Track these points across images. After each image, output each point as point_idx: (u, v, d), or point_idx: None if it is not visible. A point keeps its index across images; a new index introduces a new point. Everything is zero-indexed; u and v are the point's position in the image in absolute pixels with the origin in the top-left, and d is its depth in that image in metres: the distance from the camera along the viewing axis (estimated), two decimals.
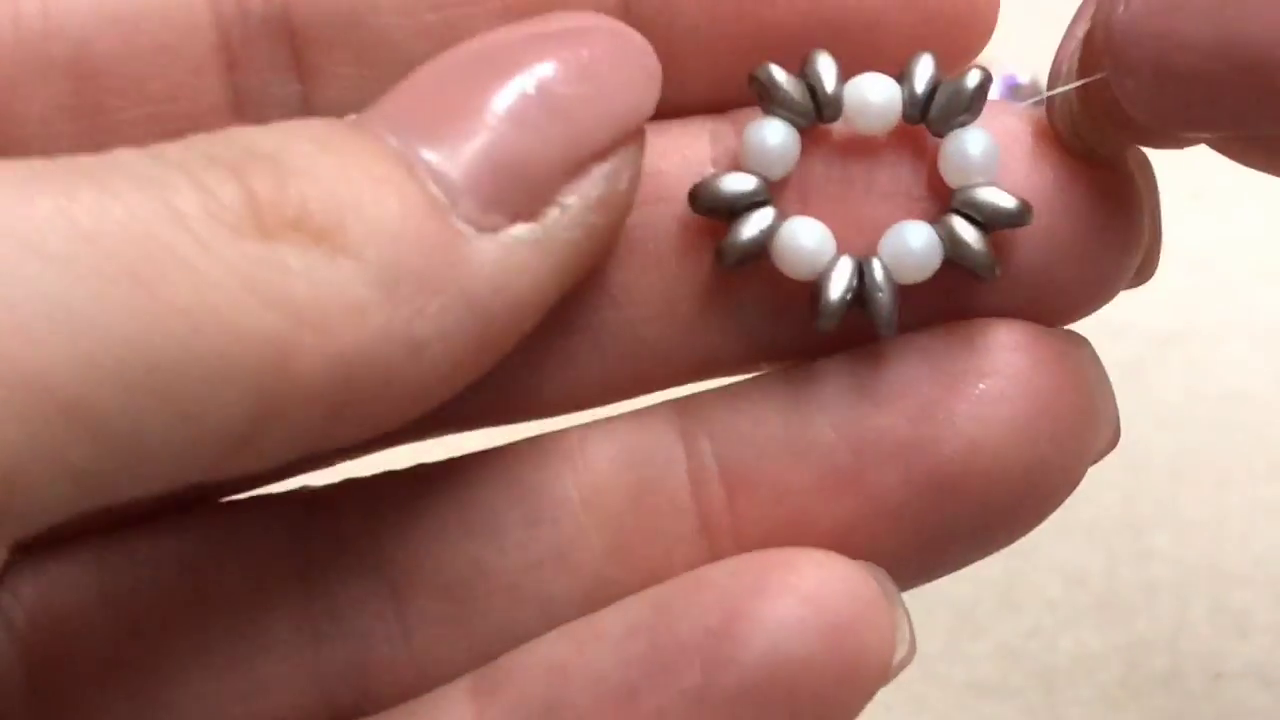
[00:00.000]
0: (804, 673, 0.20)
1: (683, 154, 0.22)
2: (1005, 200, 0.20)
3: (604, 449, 0.22)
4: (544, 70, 0.20)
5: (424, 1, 0.21)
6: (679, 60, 0.21)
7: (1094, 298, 0.21)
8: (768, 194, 0.21)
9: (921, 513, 0.21)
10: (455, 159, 0.19)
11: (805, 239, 0.20)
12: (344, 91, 0.22)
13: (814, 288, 0.21)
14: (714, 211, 0.21)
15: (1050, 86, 0.21)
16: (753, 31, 0.21)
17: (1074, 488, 0.21)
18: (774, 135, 0.21)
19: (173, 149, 0.18)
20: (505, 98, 0.19)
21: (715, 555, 0.21)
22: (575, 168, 0.20)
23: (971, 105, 0.21)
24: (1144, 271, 0.22)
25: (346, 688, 0.22)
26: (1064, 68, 0.21)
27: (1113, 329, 0.48)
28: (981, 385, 0.20)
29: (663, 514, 0.21)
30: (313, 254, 0.18)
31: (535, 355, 0.22)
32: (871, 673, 0.20)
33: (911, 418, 0.21)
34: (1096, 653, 0.41)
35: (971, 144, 0.20)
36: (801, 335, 0.21)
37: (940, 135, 0.21)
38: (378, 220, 0.18)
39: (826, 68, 0.21)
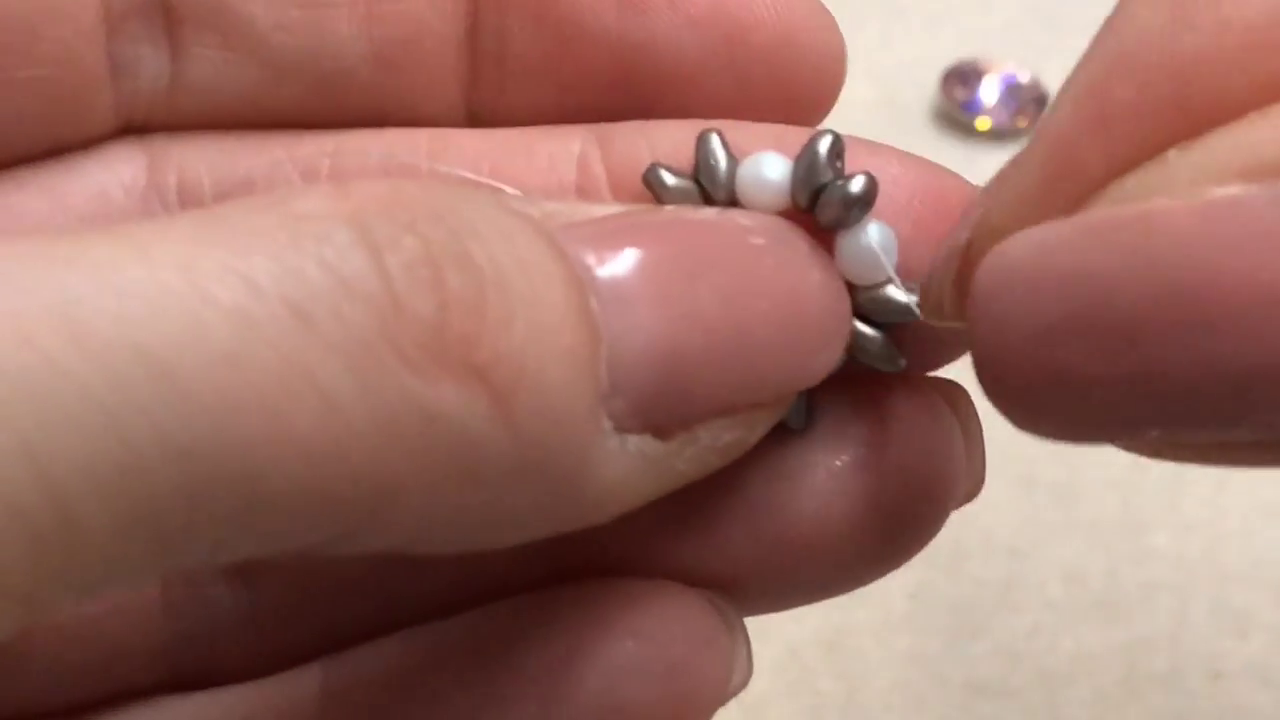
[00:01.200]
0: (638, 713, 0.20)
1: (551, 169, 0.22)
2: (902, 298, 0.20)
3: None
4: (749, 294, 0.19)
5: None
6: (518, 81, 0.22)
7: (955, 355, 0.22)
8: None
9: (767, 565, 0.21)
10: (634, 349, 0.18)
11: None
12: (209, 71, 0.22)
13: None
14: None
15: (924, 282, 0.20)
16: (578, 73, 0.22)
17: (925, 545, 0.21)
18: None
19: (368, 207, 0.16)
20: (706, 309, 0.18)
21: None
22: (730, 409, 0.19)
23: (857, 206, 0.20)
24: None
25: None
26: (937, 273, 0.20)
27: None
28: (835, 455, 0.21)
29: None
30: (476, 406, 0.16)
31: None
32: (705, 705, 0.21)
33: (763, 481, 0.21)
34: (1096, 653, 0.41)
35: (861, 243, 0.20)
36: None
37: (831, 230, 0.20)
38: (547, 394, 0.16)
39: (717, 154, 0.21)
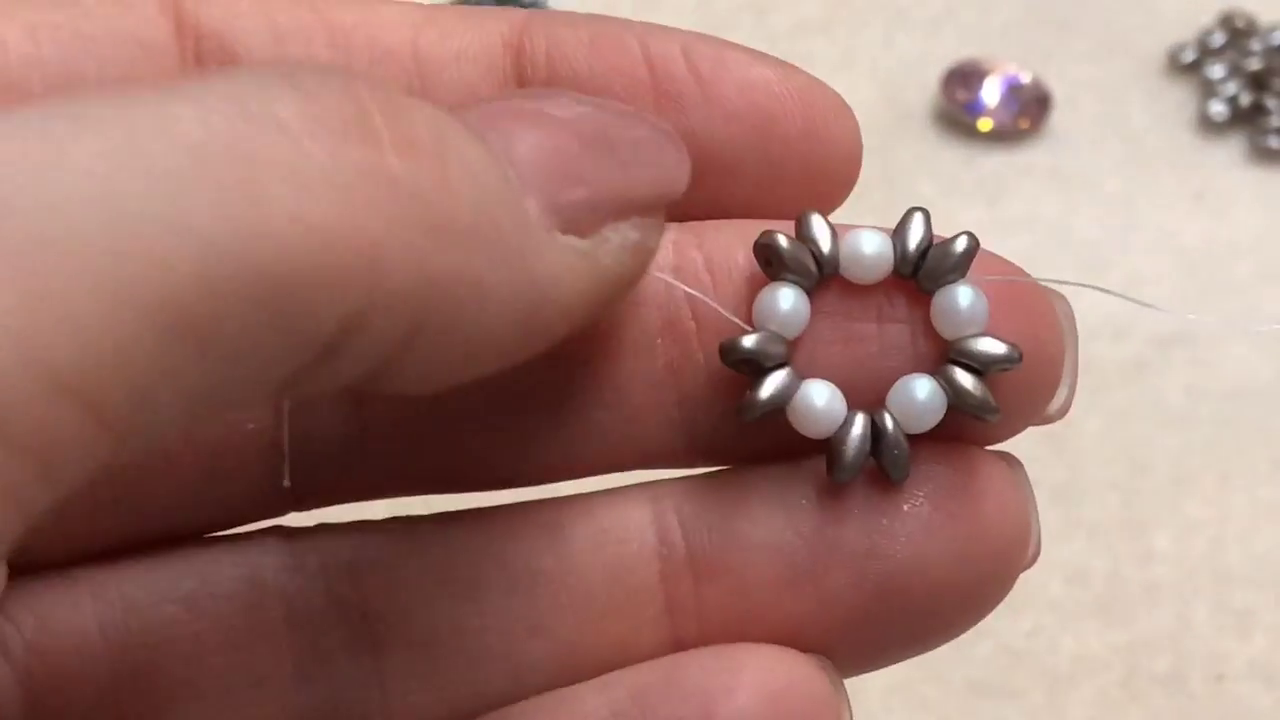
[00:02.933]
0: None
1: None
2: (998, 348, 0.22)
3: (581, 527, 0.23)
4: (613, 119, 0.21)
5: (320, 41, 0.24)
6: None
7: (1025, 425, 0.23)
8: (787, 355, 0.22)
9: (869, 613, 0.22)
10: (530, 157, 0.20)
11: (819, 401, 0.22)
12: None
13: (830, 444, 0.22)
14: (740, 367, 0.22)
15: None
16: None
17: (1004, 597, 0.23)
18: (786, 300, 0.22)
19: (284, 65, 0.19)
20: (581, 125, 0.21)
21: (679, 635, 0.23)
22: (622, 207, 0.21)
23: (959, 266, 0.22)
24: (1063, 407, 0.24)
25: None
26: None
27: (1116, 329, 0.48)
28: (927, 505, 0.22)
29: (633, 593, 0.23)
30: (419, 171, 0.18)
31: (527, 431, 0.23)
32: None
33: (864, 529, 0.22)
34: (1098, 653, 0.41)
35: (962, 300, 0.22)
36: (774, 444, 0.23)
37: (930, 292, 0.22)
38: (474, 168, 0.19)
39: (821, 229, 0.23)
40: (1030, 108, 0.54)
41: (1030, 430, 0.43)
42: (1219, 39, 0.56)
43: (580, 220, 0.20)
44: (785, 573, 0.22)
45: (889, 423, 0.22)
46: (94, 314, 0.16)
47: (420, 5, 0.24)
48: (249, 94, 0.18)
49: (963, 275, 0.22)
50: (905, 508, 0.22)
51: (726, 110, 0.23)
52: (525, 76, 0.24)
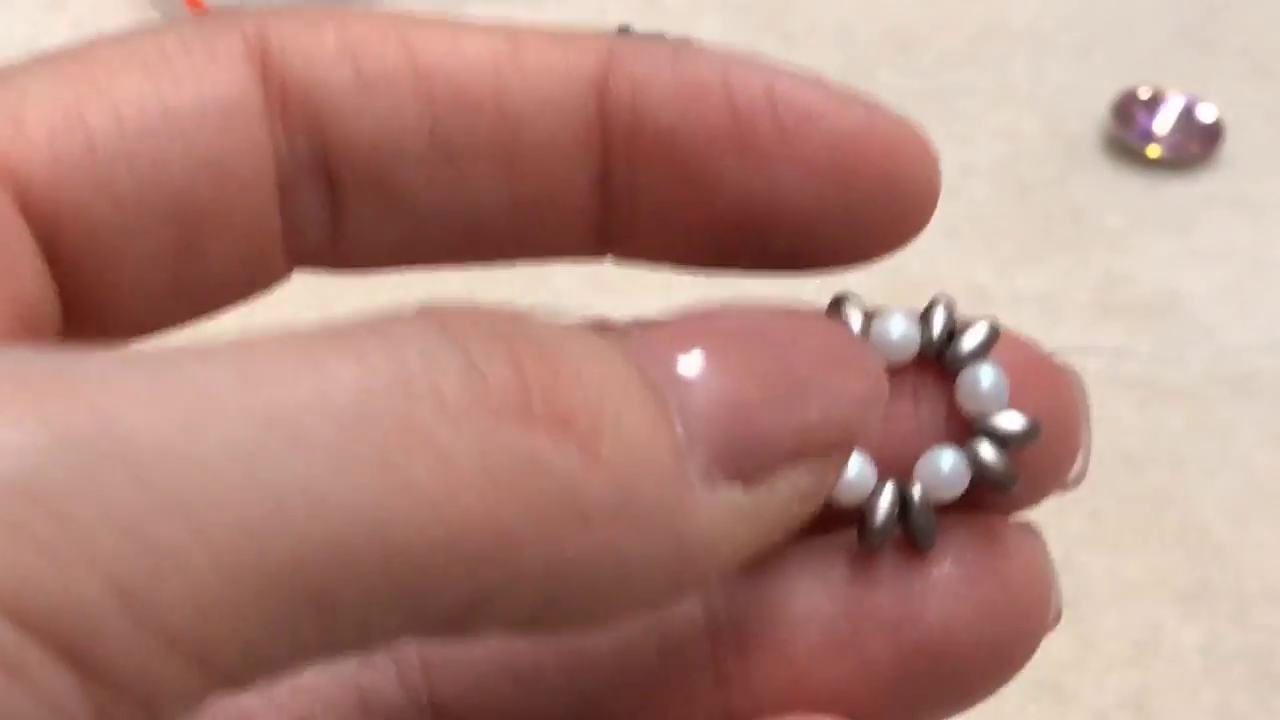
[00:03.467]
0: None
1: None
2: (1019, 424, 0.23)
3: None
4: (798, 349, 0.21)
5: (438, 159, 0.24)
6: (648, 222, 0.24)
7: (1047, 494, 0.24)
8: None
9: (905, 678, 0.23)
10: (700, 406, 0.20)
11: (850, 471, 0.23)
12: (366, 224, 0.25)
13: (859, 512, 0.23)
14: None
15: None
16: (702, 215, 0.24)
17: (1029, 658, 0.24)
18: None
19: (446, 315, 0.18)
20: (759, 363, 0.20)
21: (731, 708, 0.23)
22: (798, 452, 0.21)
23: (981, 350, 0.23)
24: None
25: None
26: None
27: None
28: (954, 571, 0.23)
29: (686, 669, 0.23)
30: (566, 451, 0.18)
31: None
32: None
33: (896, 596, 0.23)
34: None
35: (984, 380, 0.23)
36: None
37: (955, 371, 0.24)
38: (630, 441, 0.19)
39: (854, 314, 0.24)
40: (1200, 133, 0.53)
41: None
42: None
43: (749, 472, 0.20)
44: (826, 642, 0.23)
45: (917, 492, 0.23)
46: (217, 580, 0.16)
47: (505, 34, 0.24)
48: (413, 362, 0.17)
49: (984, 357, 0.23)
50: (933, 574, 0.23)
51: (809, 165, 0.23)
52: (609, 125, 0.24)
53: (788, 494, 0.21)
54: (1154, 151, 0.53)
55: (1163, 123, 0.54)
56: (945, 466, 0.23)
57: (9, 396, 0.16)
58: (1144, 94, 0.54)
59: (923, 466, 0.23)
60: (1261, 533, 0.43)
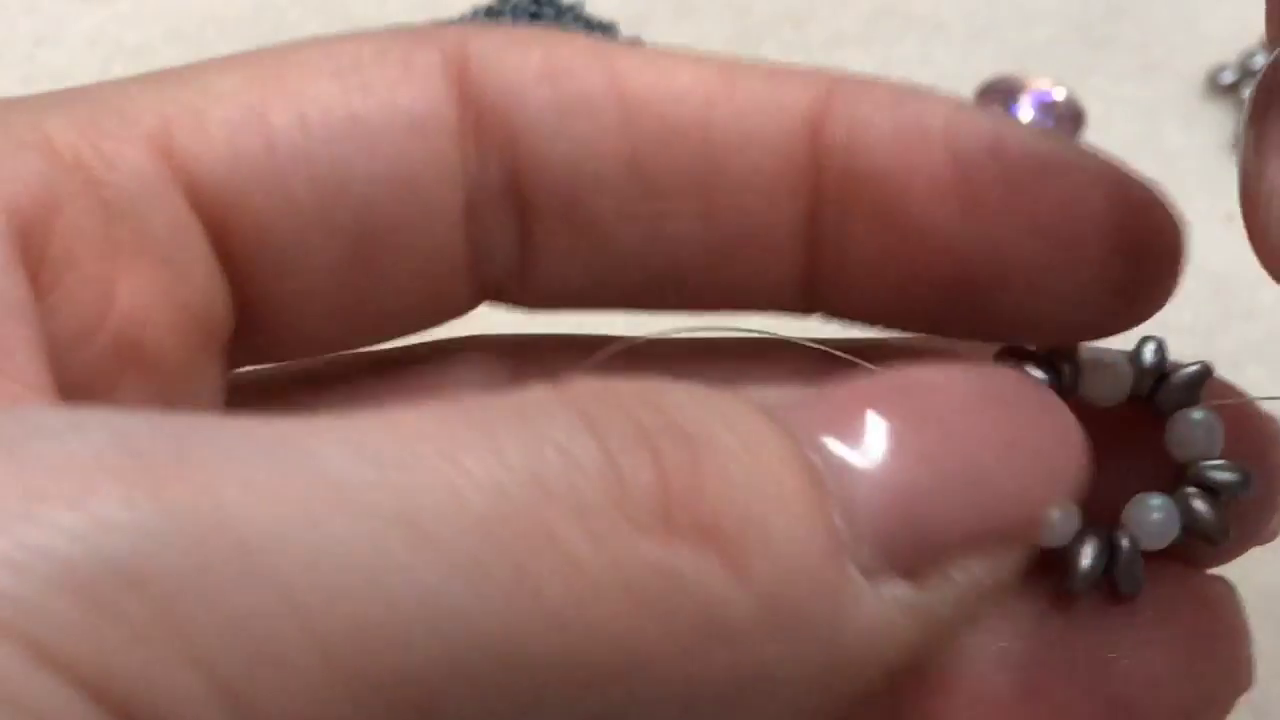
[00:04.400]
0: None
1: None
2: (1234, 475, 0.22)
3: None
4: (975, 432, 0.19)
5: (637, 192, 0.22)
6: (857, 274, 0.23)
7: (1249, 547, 0.23)
8: None
9: None
10: (867, 496, 0.18)
11: (1054, 514, 0.21)
12: (556, 258, 0.23)
13: (1065, 555, 0.22)
14: None
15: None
16: (917, 269, 0.22)
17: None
18: None
19: (587, 400, 0.17)
20: (932, 447, 0.19)
21: None
22: (977, 543, 0.19)
23: (1193, 392, 0.23)
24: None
25: None
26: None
27: None
28: (1156, 623, 0.22)
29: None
30: (709, 565, 0.17)
31: None
32: None
33: (1095, 642, 0.22)
34: None
35: (1198, 426, 0.22)
36: None
37: (1165, 414, 0.23)
38: (781, 548, 0.17)
39: (1064, 356, 0.23)
40: (1064, 124, 0.54)
41: None
42: (1261, 60, 0.55)
43: (919, 567, 0.18)
44: (1019, 685, 0.22)
45: (1125, 539, 0.22)
46: (323, 683, 0.15)
47: (719, 65, 0.23)
48: (551, 459, 0.16)
49: (1196, 400, 0.23)
50: (1135, 622, 0.22)
51: (1036, 224, 0.22)
52: (822, 166, 0.22)
53: (964, 588, 0.19)
54: None
55: (1024, 112, 0.54)
56: (1156, 516, 0.22)
57: (122, 471, 0.15)
58: (1008, 84, 0.55)
59: (1132, 514, 0.22)
60: None
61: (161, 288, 0.21)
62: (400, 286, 0.23)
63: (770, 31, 0.58)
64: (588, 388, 0.17)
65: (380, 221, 0.22)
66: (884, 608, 0.18)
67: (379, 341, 0.24)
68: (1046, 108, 0.54)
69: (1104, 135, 0.54)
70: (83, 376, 0.20)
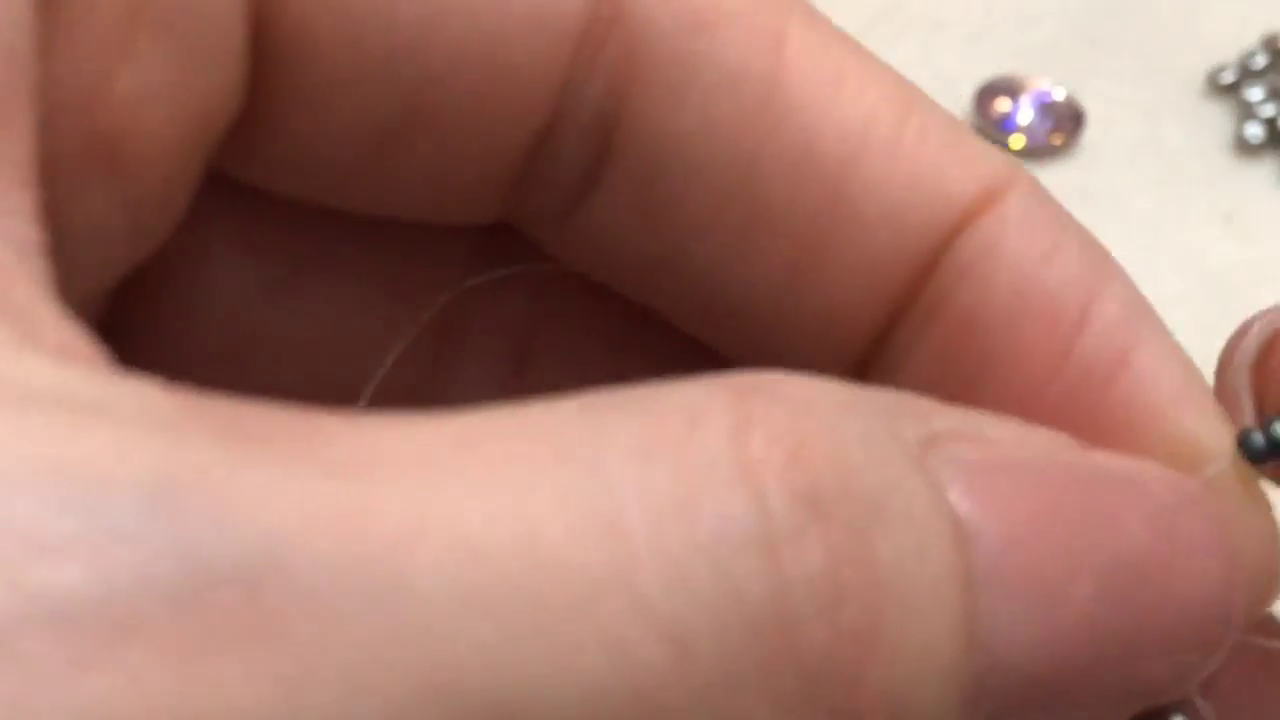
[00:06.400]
0: None
1: None
2: None
3: None
4: (1148, 596, 0.17)
5: (741, 204, 0.20)
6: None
7: None
8: None
9: None
10: (1011, 665, 0.16)
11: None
12: (604, 225, 0.20)
13: None
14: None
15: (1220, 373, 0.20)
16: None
17: None
18: None
19: (774, 479, 0.15)
20: (1097, 625, 0.16)
21: None
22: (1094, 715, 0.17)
23: None
24: None
25: None
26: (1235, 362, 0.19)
27: None
28: None
29: None
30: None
31: None
32: None
33: None
34: None
35: None
36: None
37: None
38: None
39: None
40: (1063, 125, 0.54)
41: None
42: (1261, 61, 0.55)
43: None
44: None
45: None
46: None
47: (904, 101, 0.20)
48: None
49: None
50: None
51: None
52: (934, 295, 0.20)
53: None
54: (1017, 142, 0.54)
55: (1024, 112, 0.54)
56: None
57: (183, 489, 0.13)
58: (1007, 84, 0.55)
59: None
60: None
61: (171, 77, 0.18)
62: (429, 170, 0.20)
63: None
64: (774, 435, 0.15)
65: (445, 99, 0.19)
66: None
67: (367, 209, 0.21)
68: (1046, 108, 0.54)
69: (1104, 135, 0.54)
70: (50, 158, 0.17)
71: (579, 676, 0.13)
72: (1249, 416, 0.19)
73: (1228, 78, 0.55)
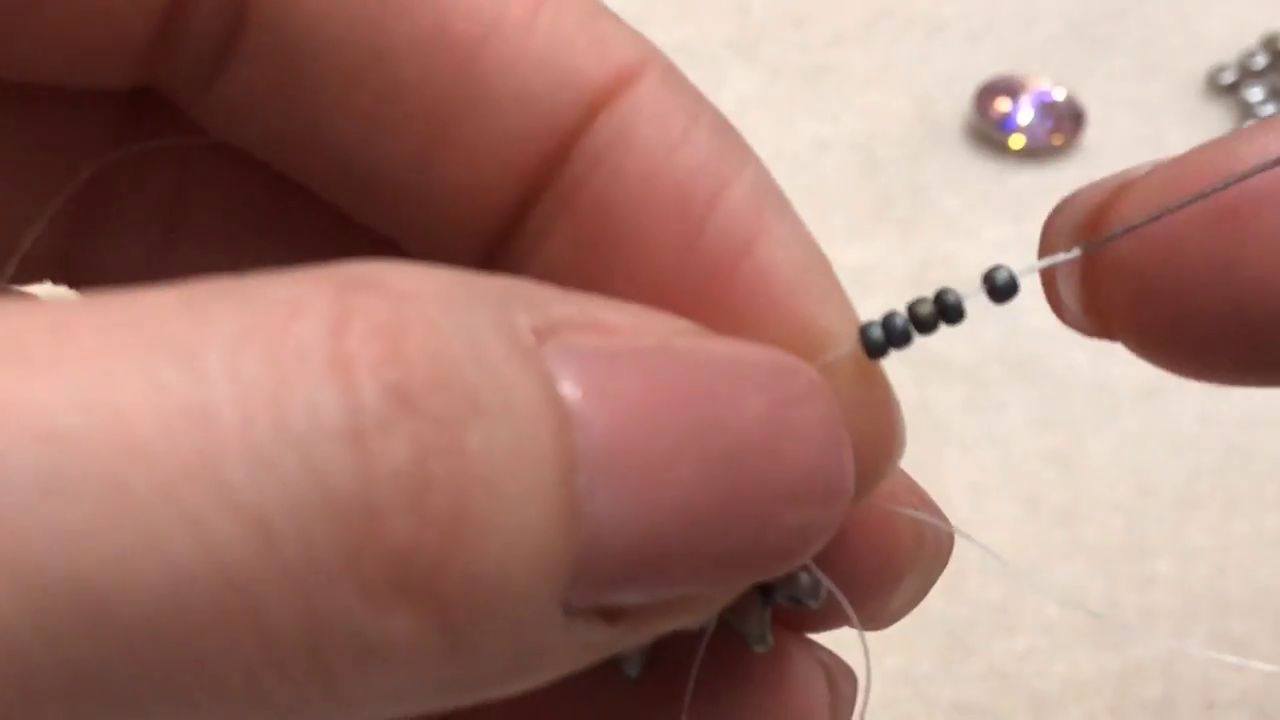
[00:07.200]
0: None
1: None
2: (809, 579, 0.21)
3: None
4: (750, 476, 0.17)
5: (369, 55, 0.20)
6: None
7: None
8: None
9: None
10: (611, 544, 0.16)
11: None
12: (239, 99, 0.21)
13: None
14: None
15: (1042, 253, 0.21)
16: None
17: None
18: None
19: (369, 370, 0.15)
20: (698, 504, 0.17)
21: None
22: (693, 598, 0.18)
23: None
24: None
25: None
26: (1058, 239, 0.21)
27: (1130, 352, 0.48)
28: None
29: None
30: (424, 637, 0.15)
31: None
32: None
33: None
34: (1089, 678, 0.40)
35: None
36: None
37: None
38: (501, 613, 0.16)
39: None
40: (1064, 124, 0.54)
41: (1039, 448, 0.43)
42: (1261, 61, 0.55)
43: (626, 614, 0.17)
44: None
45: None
46: None
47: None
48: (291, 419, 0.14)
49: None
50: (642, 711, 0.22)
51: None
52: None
53: (649, 629, 0.18)
54: (1017, 142, 0.54)
55: (1024, 112, 0.54)
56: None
57: None
58: (1008, 83, 0.55)
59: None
60: (989, 509, 0.44)
61: None
62: (60, 29, 0.20)
63: (770, 31, 0.58)
64: (373, 324, 0.15)
65: None
66: (569, 648, 0.17)
67: (30, 77, 0.21)
68: (1046, 108, 0.54)
69: (1104, 135, 0.54)
70: None
71: (163, 559, 0.14)
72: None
73: (1228, 78, 0.55)
